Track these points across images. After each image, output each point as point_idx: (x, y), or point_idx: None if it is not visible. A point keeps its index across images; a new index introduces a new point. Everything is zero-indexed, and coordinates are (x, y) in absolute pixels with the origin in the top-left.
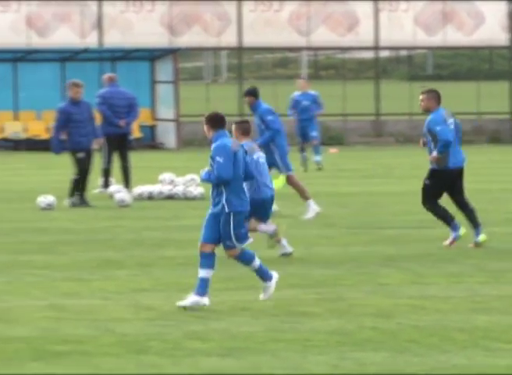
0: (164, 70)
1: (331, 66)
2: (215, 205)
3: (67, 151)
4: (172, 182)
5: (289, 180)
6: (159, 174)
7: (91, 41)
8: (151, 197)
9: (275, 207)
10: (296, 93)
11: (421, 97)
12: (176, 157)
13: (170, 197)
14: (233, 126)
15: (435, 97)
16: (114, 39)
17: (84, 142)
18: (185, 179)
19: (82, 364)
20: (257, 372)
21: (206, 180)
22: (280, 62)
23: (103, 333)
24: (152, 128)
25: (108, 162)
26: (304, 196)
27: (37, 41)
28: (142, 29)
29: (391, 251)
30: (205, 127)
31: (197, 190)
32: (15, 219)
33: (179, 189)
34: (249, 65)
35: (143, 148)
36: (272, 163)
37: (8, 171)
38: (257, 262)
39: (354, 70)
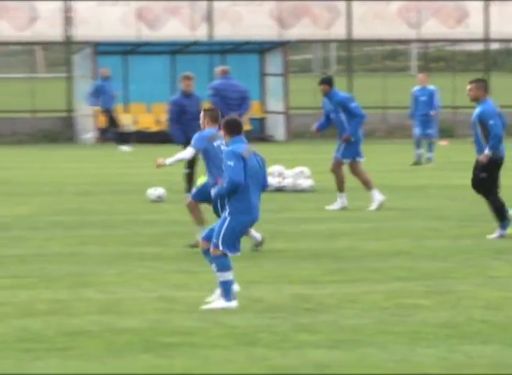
0: (273, 63)
1: (441, 58)
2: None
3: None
4: (281, 174)
5: (354, 168)
6: (269, 167)
7: (201, 33)
8: None
9: (381, 197)
10: (416, 88)
11: (469, 86)
12: (285, 149)
13: (279, 189)
14: (201, 114)
15: (483, 86)
16: (224, 32)
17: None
18: (294, 171)
19: (191, 356)
20: (365, 363)
21: (218, 193)
22: (390, 55)
23: (212, 326)
24: (262, 121)
25: None
26: (368, 186)
27: (147, 34)
28: (252, 21)
29: (501, 244)
30: (222, 132)
31: (306, 182)
32: (126, 211)
33: (288, 181)
34: (358, 57)
35: (252, 141)
36: (352, 153)
37: (119, 163)
38: (228, 276)
39: (464, 62)
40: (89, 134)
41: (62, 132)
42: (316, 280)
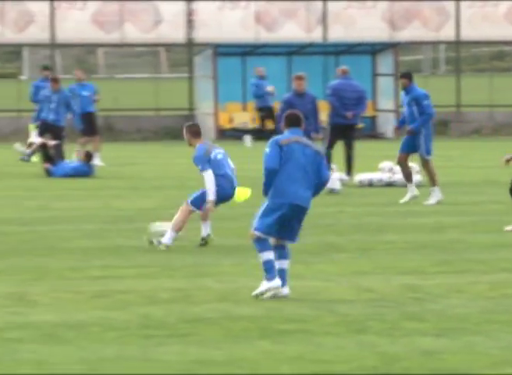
0: (384, 63)
1: None
2: None
3: None
4: (391, 170)
5: (426, 165)
6: (379, 163)
7: (316, 35)
8: (371, 184)
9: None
10: None
11: None
12: (395, 146)
13: (389, 184)
14: (184, 129)
15: None
16: (337, 34)
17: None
18: None
19: (304, 342)
20: (471, 351)
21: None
22: (497, 55)
23: (325, 313)
24: (373, 118)
25: (329, 147)
26: (433, 182)
27: (265, 36)
28: (364, 24)
29: None
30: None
31: (415, 177)
32: (243, 205)
33: (398, 177)
34: (466, 58)
35: (364, 138)
36: (413, 146)
37: (241, 158)
38: (266, 256)
39: None
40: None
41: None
42: (424, 270)
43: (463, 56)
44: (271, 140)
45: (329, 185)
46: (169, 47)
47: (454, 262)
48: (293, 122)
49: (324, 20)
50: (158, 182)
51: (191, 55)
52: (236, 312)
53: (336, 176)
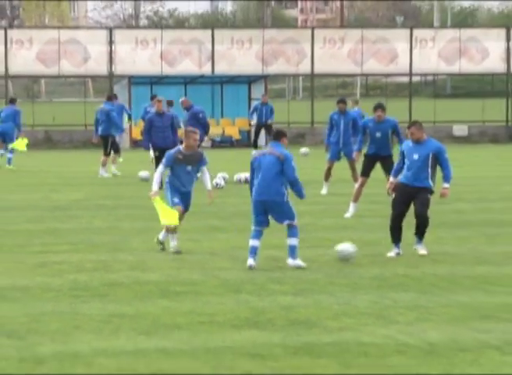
0: (257, 90)
1: (377, 87)
2: None
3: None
4: None
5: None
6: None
7: (206, 69)
8: (246, 181)
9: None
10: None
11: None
12: None
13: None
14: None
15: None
16: (222, 68)
17: (159, 143)
18: None
19: (195, 300)
20: (319, 306)
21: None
22: (341, 85)
23: (210, 278)
24: (248, 132)
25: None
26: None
27: (167, 70)
28: (242, 61)
29: None
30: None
31: None
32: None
33: None
34: (318, 87)
35: (243, 147)
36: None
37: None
38: (251, 243)
39: (394, 90)
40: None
41: None
42: (284, 245)
43: (316, 85)
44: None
45: (216, 181)
46: (95, 78)
47: (308, 239)
48: (275, 136)
49: (212, 58)
50: (85, 180)
51: (111, 84)
52: (143, 277)
53: (220, 175)
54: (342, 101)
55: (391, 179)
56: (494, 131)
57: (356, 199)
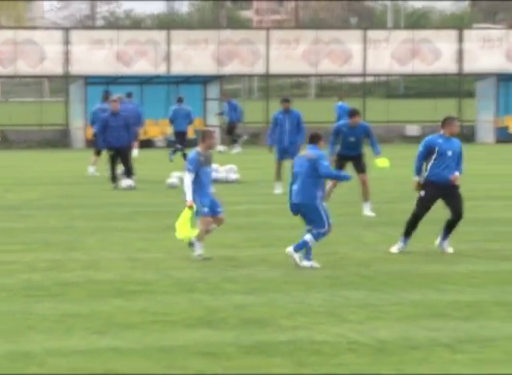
0: (213, 91)
1: (331, 87)
2: None
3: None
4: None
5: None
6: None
7: (162, 69)
8: None
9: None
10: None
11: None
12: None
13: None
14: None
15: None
16: (178, 68)
17: (113, 143)
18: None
19: (148, 299)
20: (273, 304)
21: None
22: (296, 85)
23: (164, 278)
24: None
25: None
26: (277, 177)
27: (123, 70)
28: (198, 61)
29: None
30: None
31: (234, 176)
32: (104, 195)
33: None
34: (273, 87)
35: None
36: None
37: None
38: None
39: (348, 91)
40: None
41: (60, 140)
42: (238, 245)
43: (271, 85)
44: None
45: (171, 181)
46: (51, 78)
47: (262, 238)
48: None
49: (168, 58)
50: (40, 180)
51: (67, 84)
52: (97, 277)
53: (175, 174)
54: (286, 101)
55: (416, 178)
56: None
57: (326, 199)
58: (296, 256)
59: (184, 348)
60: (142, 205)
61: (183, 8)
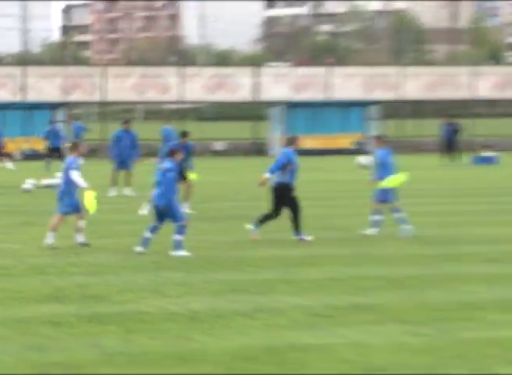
0: (60, 115)
1: (156, 112)
2: None
3: None
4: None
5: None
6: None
7: (19, 97)
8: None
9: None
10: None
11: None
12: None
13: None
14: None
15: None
16: (32, 97)
17: None
18: None
19: (8, 281)
20: (108, 284)
21: None
22: (126, 110)
23: (20, 263)
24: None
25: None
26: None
27: None
28: (48, 91)
29: None
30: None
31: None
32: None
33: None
34: (108, 111)
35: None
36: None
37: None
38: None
39: (168, 115)
40: None
41: None
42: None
43: (107, 111)
44: None
45: (25, 186)
46: None
47: (99, 231)
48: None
49: (24, 88)
50: None
51: None
52: None
53: (29, 181)
54: (126, 122)
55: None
56: (245, 146)
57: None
58: (180, 252)
59: (36, 318)
60: (1, 205)
61: (37, 48)
